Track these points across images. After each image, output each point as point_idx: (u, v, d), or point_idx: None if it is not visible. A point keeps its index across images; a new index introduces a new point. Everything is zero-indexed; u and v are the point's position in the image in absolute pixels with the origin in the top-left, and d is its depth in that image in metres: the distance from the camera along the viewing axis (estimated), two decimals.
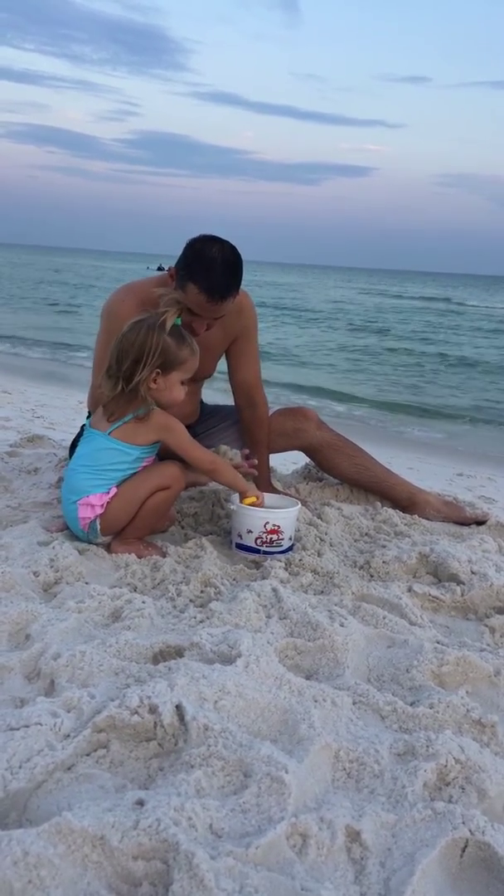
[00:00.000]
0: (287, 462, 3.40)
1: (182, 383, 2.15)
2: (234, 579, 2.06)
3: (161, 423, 2.11)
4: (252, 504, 2.21)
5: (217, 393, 3.35)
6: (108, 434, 2.11)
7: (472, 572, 2.12)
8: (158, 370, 2.06)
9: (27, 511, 2.47)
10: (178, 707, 1.25)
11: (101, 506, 2.11)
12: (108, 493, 2.11)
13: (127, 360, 2.03)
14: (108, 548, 2.17)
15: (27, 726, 1.19)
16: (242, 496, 2.23)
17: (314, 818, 1.06)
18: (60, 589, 1.87)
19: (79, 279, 35.03)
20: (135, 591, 1.91)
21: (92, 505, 2.11)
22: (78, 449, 2.21)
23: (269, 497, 2.49)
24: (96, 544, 2.17)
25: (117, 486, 2.12)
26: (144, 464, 2.16)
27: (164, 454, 2.29)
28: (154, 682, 1.33)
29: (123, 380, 2.05)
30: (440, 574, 2.17)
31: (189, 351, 2.11)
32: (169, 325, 2.07)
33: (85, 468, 2.13)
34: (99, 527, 2.13)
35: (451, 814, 1.11)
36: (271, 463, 2.84)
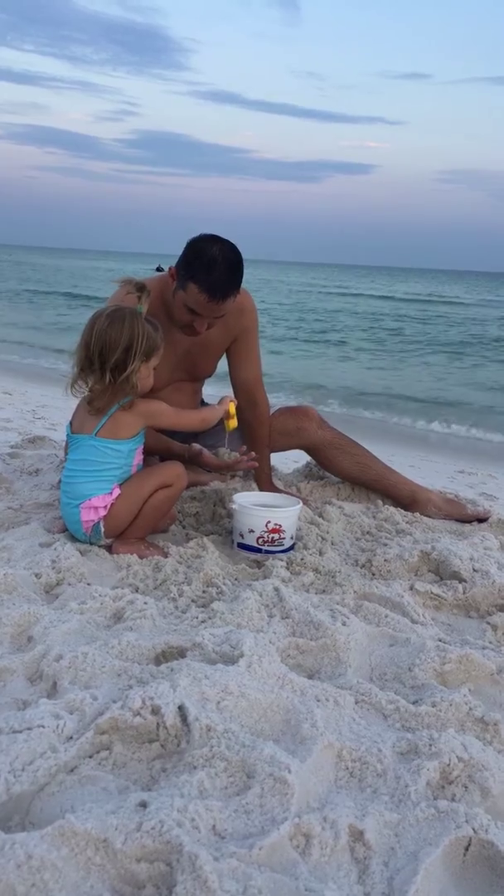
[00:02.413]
0: (288, 461, 3.40)
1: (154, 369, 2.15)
2: (235, 579, 2.06)
3: (146, 411, 2.12)
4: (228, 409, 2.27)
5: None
6: (95, 435, 2.10)
7: (474, 570, 2.11)
8: (144, 357, 2.06)
9: (29, 512, 2.47)
10: (181, 708, 1.25)
11: (105, 507, 2.10)
12: (112, 493, 2.11)
13: (116, 352, 2.01)
14: (109, 549, 2.17)
15: (30, 728, 1.19)
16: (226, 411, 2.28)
17: (317, 818, 1.06)
18: (62, 590, 1.87)
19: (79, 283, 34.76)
20: (137, 591, 1.91)
21: (95, 507, 2.10)
22: (68, 456, 2.19)
23: (270, 496, 2.50)
24: (98, 546, 2.18)
25: (119, 486, 2.12)
26: (137, 456, 2.16)
27: (161, 452, 2.29)
28: (156, 683, 1.33)
29: (112, 372, 2.02)
30: (442, 572, 2.17)
31: (160, 337, 2.12)
32: (145, 311, 2.08)
33: (82, 473, 2.12)
34: (103, 529, 2.13)
35: (454, 812, 1.11)
36: (272, 461, 2.84)
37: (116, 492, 2.11)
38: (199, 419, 2.25)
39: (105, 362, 2.02)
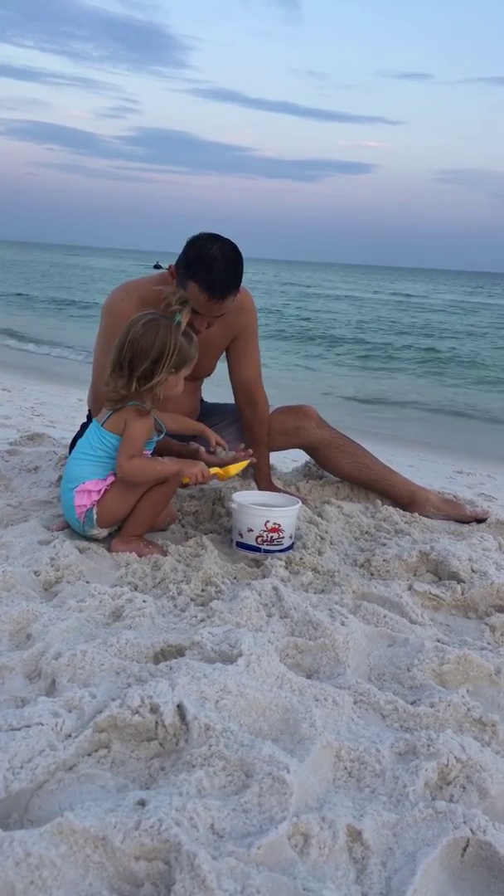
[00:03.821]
0: (287, 460, 3.40)
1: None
2: (234, 578, 2.06)
3: (129, 430, 2.09)
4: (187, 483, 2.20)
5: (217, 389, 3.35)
6: (102, 425, 2.13)
7: (473, 570, 2.12)
8: (173, 369, 2.07)
9: (27, 510, 2.47)
10: (180, 707, 1.25)
11: (98, 492, 2.12)
12: (105, 479, 2.13)
13: (145, 361, 2.02)
14: (108, 547, 2.17)
15: (28, 726, 1.19)
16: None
17: (316, 818, 1.06)
18: (61, 588, 1.87)
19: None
20: (135, 590, 1.91)
21: (89, 491, 2.12)
22: (80, 440, 2.24)
23: (269, 495, 2.49)
24: (93, 538, 2.18)
25: (115, 475, 2.13)
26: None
27: (161, 451, 2.29)
28: (155, 681, 1.33)
29: (139, 379, 2.04)
30: (440, 572, 2.17)
31: (195, 348, 2.13)
32: (184, 325, 2.08)
33: (83, 455, 2.16)
34: (95, 516, 2.13)
35: (452, 813, 1.11)
36: (272, 461, 2.84)
37: (111, 479, 2.14)
38: (125, 470, 2.08)
39: (134, 370, 2.03)
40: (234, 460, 2.41)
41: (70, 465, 2.20)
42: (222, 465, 2.44)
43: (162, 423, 2.21)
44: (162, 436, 2.22)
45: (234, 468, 2.29)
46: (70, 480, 2.16)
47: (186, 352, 2.08)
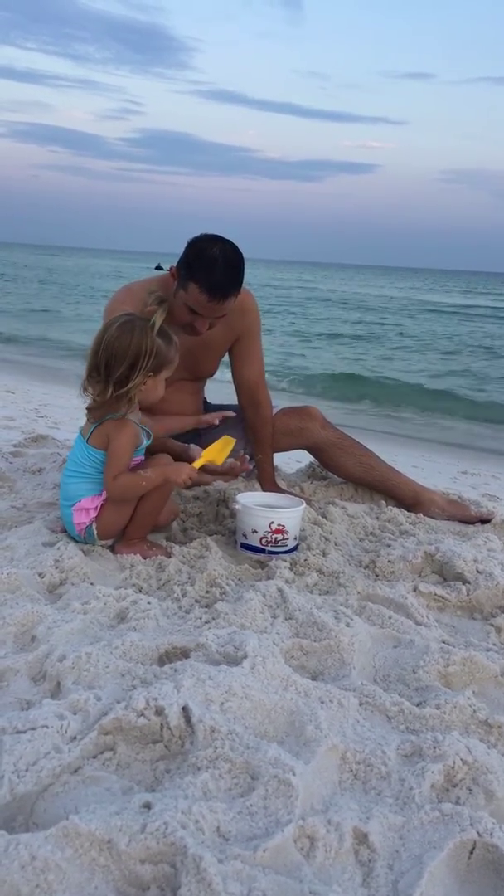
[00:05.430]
0: (291, 461, 3.40)
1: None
2: (239, 579, 2.05)
3: (113, 444, 2.06)
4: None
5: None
6: (87, 442, 2.09)
7: (478, 571, 2.11)
8: (151, 372, 2.03)
9: (32, 511, 2.47)
10: (185, 709, 1.25)
11: (95, 508, 2.10)
12: (101, 495, 2.11)
13: (121, 366, 1.97)
14: (112, 548, 2.17)
15: (33, 729, 1.19)
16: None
17: (322, 820, 1.06)
18: (66, 590, 1.87)
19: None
20: (140, 591, 1.91)
21: (86, 509, 2.10)
22: (69, 453, 2.20)
23: (273, 496, 2.49)
24: (100, 546, 2.17)
25: None
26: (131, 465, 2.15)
27: (154, 450, 2.29)
28: (160, 683, 1.32)
29: (115, 384, 1.99)
30: (446, 573, 2.16)
31: (175, 349, 2.09)
32: (158, 325, 2.03)
33: (75, 474, 2.13)
34: (95, 531, 2.12)
35: (458, 815, 1.10)
36: (276, 462, 2.84)
37: (105, 494, 2.11)
38: (112, 491, 2.07)
39: (110, 375, 1.99)
40: (231, 469, 2.37)
41: (64, 483, 2.16)
42: (221, 473, 2.39)
43: (147, 427, 2.16)
44: (149, 441, 2.18)
45: (220, 454, 2.23)
46: (66, 499, 2.14)
47: (164, 354, 2.03)
